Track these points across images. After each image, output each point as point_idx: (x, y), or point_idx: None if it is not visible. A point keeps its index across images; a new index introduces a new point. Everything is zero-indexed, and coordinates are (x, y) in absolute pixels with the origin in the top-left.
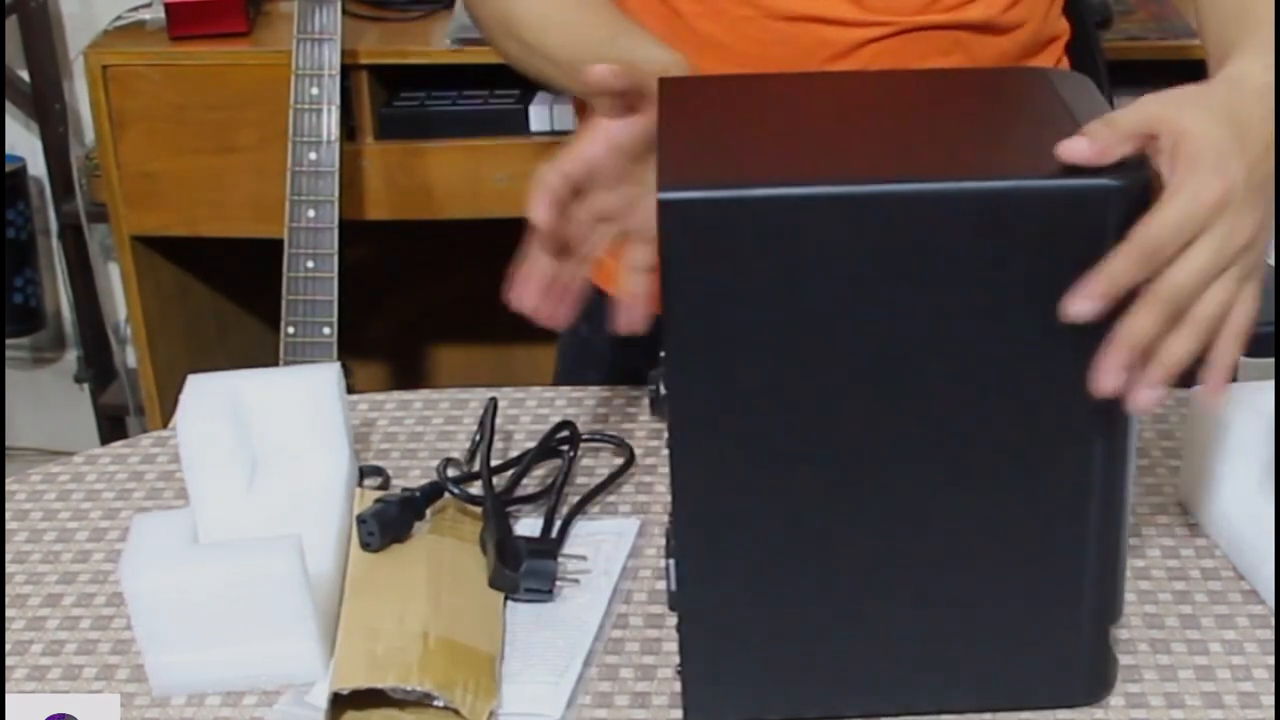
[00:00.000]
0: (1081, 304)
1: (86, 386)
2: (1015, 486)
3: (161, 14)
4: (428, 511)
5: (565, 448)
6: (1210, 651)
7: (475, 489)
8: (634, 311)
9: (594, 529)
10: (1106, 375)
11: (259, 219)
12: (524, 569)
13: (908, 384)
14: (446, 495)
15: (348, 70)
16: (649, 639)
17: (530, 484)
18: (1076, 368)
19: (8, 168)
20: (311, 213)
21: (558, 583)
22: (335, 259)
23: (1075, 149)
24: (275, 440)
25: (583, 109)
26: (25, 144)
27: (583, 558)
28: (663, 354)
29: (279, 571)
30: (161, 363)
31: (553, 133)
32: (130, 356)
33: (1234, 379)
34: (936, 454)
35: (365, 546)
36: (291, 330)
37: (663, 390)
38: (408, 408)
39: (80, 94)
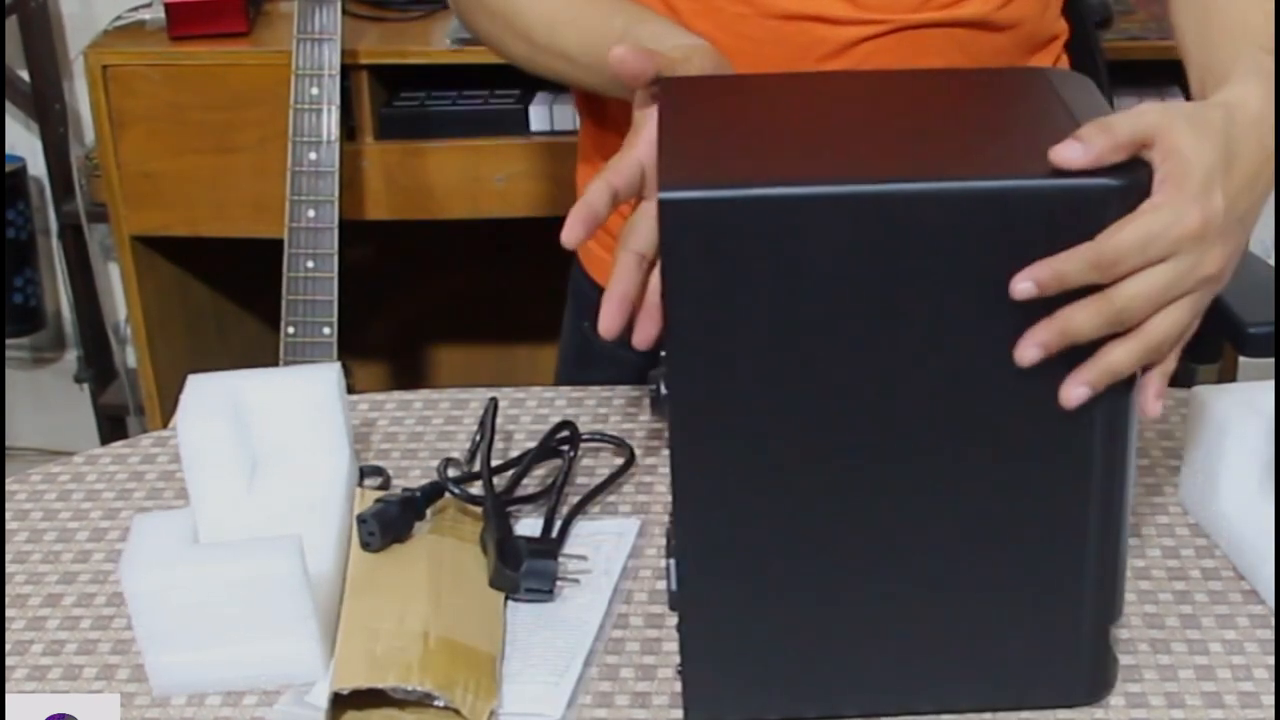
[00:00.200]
0: (1022, 283)
1: (86, 386)
2: (1015, 485)
3: (161, 14)
4: (428, 511)
5: (565, 448)
6: (1210, 651)
7: (475, 489)
8: (650, 326)
9: (594, 529)
10: (1025, 347)
11: (259, 219)
12: (524, 569)
13: (907, 383)
14: (447, 495)
15: (348, 70)
16: (649, 639)
17: (530, 484)
18: (1076, 367)
19: (8, 168)
20: (311, 213)
21: (558, 583)
22: (335, 259)
23: (1069, 155)
24: (275, 440)
25: (585, 109)
26: (25, 144)
27: (583, 558)
28: (663, 353)
29: (279, 571)
30: (161, 363)
31: (553, 133)
32: (130, 356)
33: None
34: (936, 453)
35: (365, 546)
36: (291, 330)
37: (663, 390)
38: (408, 408)
39: (80, 94)
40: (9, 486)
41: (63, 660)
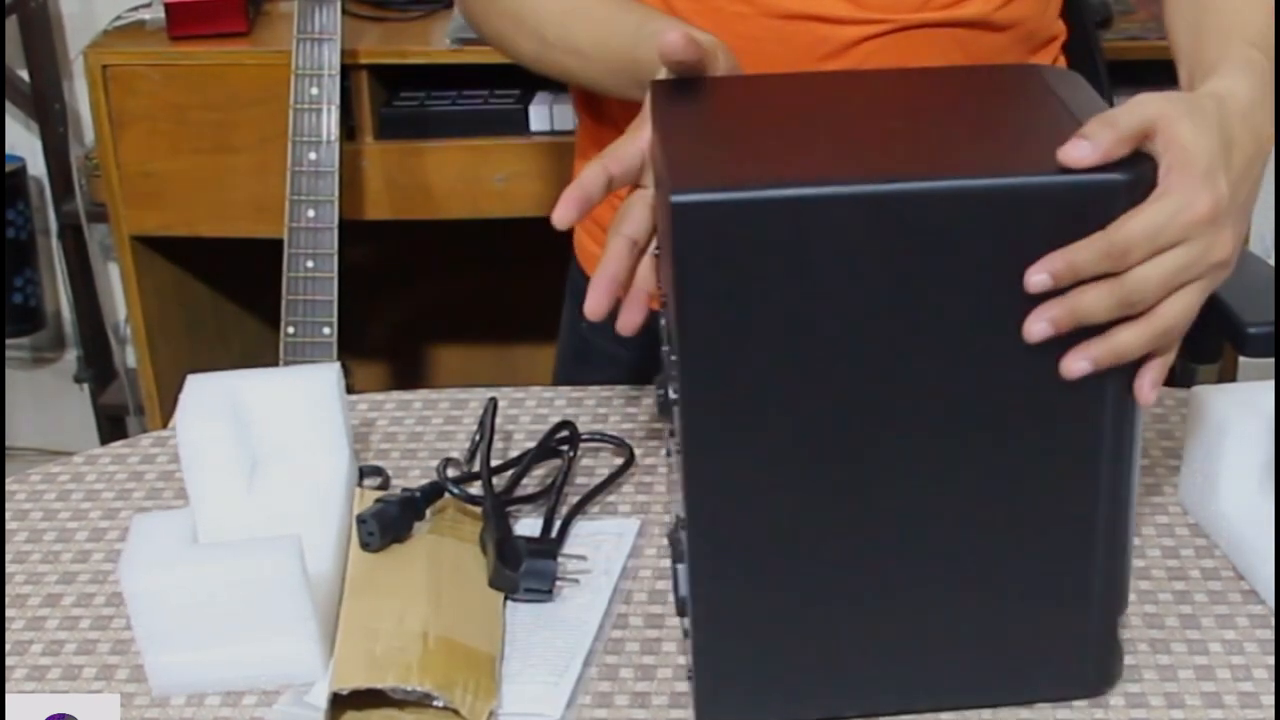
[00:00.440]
0: (1037, 275)
1: (86, 386)
2: (1030, 479)
3: (161, 14)
4: (428, 511)
5: (565, 448)
6: (1210, 651)
7: (475, 489)
8: (635, 312)
9: (594, 529)
10: (1034, 321)
11: (259, 219)
12: (524, 569)
13: (921, 380)
14: (446, 495)
15: (348, 70)
16: (649, 639)
17: (530, 484)
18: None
19: (8, 168)
20: (311, 213)
21: (558, 583)
22: (335, 259)
23: (1078, 154)
24: (275, 440)
25: (584, 106)
26: (25, 144)
27: (583, 558)
28: (665, 351)
29: (279, 571)
30: (161, 363)
31: (553, 132)
32: (130, 356)
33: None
34: (953, 451)
35: (365, 546)
36: (291, 330)
37: (671, 394)
38: (408, 408)
39: (80, 94)
40: (9, 486)
41: (62, 660)
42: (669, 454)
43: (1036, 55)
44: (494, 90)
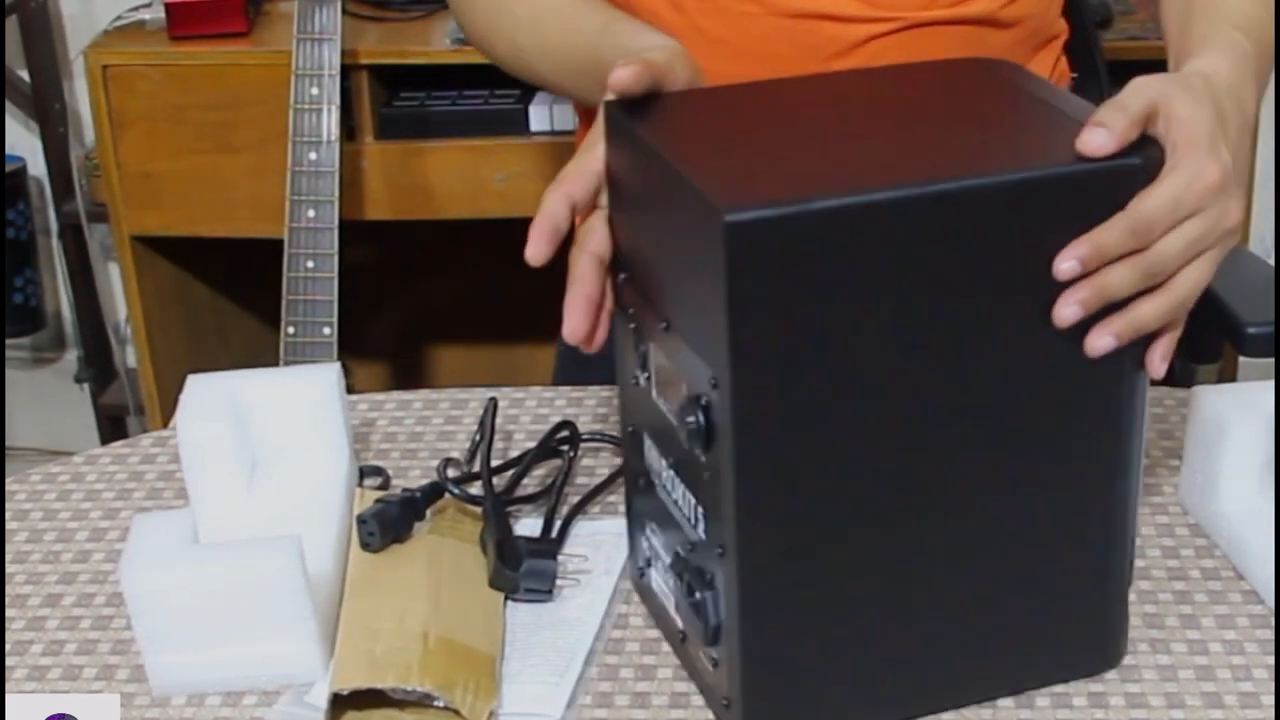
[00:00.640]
0: (1066, 262)
1: (86, 386)
2: (1060, 467)
3: (161, 14)
4: (428, 511)
5: (565, 448)
6: (1210, 651)
7: (475, 489)
8: (582, 324)
9: (594, 529)
10: (1064, 305)
11: (259, 219)
12: (524, 569)
13: (964, 380)
14: (446, 495)
15: (348, 70)
16: (649, 639)
17: (530, 484)
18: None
19: (8, 168)
20: (311, 213)
21: (558, 583)
22: (335, 259)
23: (1098, 142)
24: (275, 440)
25: (584, 108)
26: (25, 144)
27: (583, 558)
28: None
29: (279, 571)
30: (161, 363)
31: (553, 133)
32: (130, 356)
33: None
34: (994, 444)
35: (365, 546)
36: (291, 330)
37: (703, 421)
38: (408, 408)
39: (80, 94)
40: (9, 486)
41: (62, 660)
42: (662, 487)
43: (1039, 53)
44: (494, 90)
